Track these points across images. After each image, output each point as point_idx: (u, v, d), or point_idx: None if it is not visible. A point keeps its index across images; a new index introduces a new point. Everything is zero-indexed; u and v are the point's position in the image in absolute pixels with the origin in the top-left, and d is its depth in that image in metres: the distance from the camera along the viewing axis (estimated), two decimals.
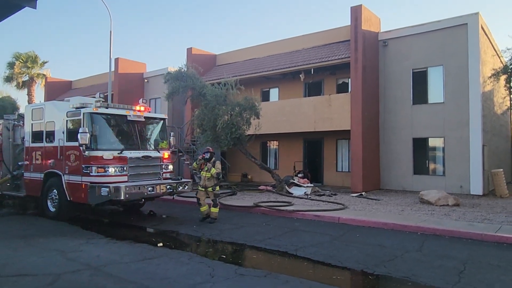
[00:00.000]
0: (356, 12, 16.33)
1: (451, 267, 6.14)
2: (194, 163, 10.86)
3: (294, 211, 10.95)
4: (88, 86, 29.44)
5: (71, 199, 9.70)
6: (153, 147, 10.73)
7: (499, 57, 19.13)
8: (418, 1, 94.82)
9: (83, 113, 9.46)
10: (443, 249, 7.25)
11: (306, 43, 20.01)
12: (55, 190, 10.19)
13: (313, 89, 19.91)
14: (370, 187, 16.21)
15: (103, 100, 10.17)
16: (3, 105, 31.43)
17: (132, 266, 6.11)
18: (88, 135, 9.08)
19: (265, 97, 21.35)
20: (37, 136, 10.90)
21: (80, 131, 9.05)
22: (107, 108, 9.94)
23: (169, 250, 7.25)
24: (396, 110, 17.09)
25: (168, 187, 10.03)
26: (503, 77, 17.03)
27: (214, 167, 9.84)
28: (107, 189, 8.91)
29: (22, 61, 32.66)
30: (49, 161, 10.37)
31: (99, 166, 9.23)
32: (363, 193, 14.99)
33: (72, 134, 9.67)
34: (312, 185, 15.75)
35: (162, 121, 11.30)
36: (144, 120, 10.59)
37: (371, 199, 13.61)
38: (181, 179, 10.81)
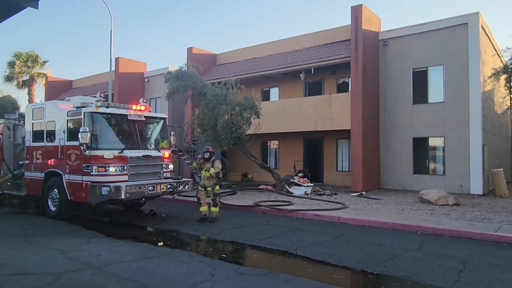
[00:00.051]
0: (356, 11, 16.34)
1: (451, 266, 6.16)
2: (194, 162, 10.89)
3: (294, 211, 10.97)
4: (89, 86, 29.46)
5: (72, 198, 9.72)
6: (153, 147, 10.75)
7: (499, 57, 19.13)
8: (418, 0, 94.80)
9: (84, 113, 9.48)
10: (443, 249, 7.27)
11: (307, 43, 20.01)
12: (55, 190, 10.21)
13: (314, 89, 19.91)
14: (370, 186, 16.22)
15: (104, 99, 10.21)
16: (4, 105, 31.48)
17: (133, 265, 6.13)
18: (89, 134, 9.09)
19: (266, 96, 21.36)
20: (37, 135, 10.92)
21: (80, 130, 9.07)
22: (107, 107, 9.96)
23: (170, 249, 7.27)
24: (396, 110, 17.10)
25: (168, 186, 10.05)
26: (503, 77, 17.04)
27: (213, 166, 9.86)
28: (108, 188, 8.93)
29: (22, 60, 32.69)
30: (50, 160, 10.39)
31: (100, 165, 9.24)
32: (363, 192, 15.01)
33: (72, 134, 9.68)
34: (312, 184, 15.76)
35: (162, 121, 11.32)
36: (144, 119, 10.61)
37: (371, 198, 13.62)
38: (181, 179, 10.84)
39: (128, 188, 9.08)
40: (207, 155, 10.07)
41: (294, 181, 15.67)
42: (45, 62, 34.07)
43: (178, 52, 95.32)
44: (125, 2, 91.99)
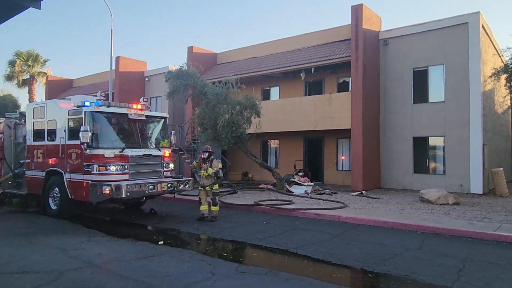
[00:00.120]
0: (357, 11, 16.34)
1: (451, 265, 6.18)
2: (194, 161, 10.93)
3: (295, 210, 10.99)
4: (89, 85, 29.47)
5: (73, 197, 9.74)
6: (154, 146, 10.77)
7: (499, 56, 19.13)
8: (419, 0, 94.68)
9: (85, 112, 9.50)
10: (442, 248, 7.29)
11: (307, 42, 20.01)
12: (56, 188, 10.23)
13: (314, 88, 19.92)
14: (371, 186, 16.24)
15: (104, 98, 10.22)
16: (5, 104, 31.56)
17: (133, 264, 6.15)
18: (90, 133, 9.11)
19: (266, 95, 21.37)
20: (38, 134, 10.95)
21: (81, 129, 9.09)
22: (108, 106, 9.98)
23: (170, 248, 7.30)
24: (396, 109, 17.11)
25: (169, 185, 10.06)
26: (503, 76, 17.05)
27: (211, 166, 9.88)
28: (108, 187, 8.94)
29: (23, 59, 32.71)
30: (51, 159, 10.42)
31: (101, 164, 9.26)
32: (363, 191, 15.02)
33: (73, 133, 9.71)
34: (312, 183, 15.78)
35: (163, 120, 11.34)
36: (145, 118, 10.62)
37: (371, 197, 13.64)
38: (181, 178, 10.85)
39: (128, 187, 9.10)
40: (205, 155, 10.10)
41: (295, 180, 15.69)
42: (45, 61, 34.11)
43: (179, 51, 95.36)
44: (125, 2, 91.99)
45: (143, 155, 10.03)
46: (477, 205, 12.00)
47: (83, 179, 9.44)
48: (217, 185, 10.08)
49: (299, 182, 15.59)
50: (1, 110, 26.27)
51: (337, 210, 10.96)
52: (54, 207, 10.33)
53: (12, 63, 32.90)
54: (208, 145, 12.48)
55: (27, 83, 33.59)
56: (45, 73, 33.43)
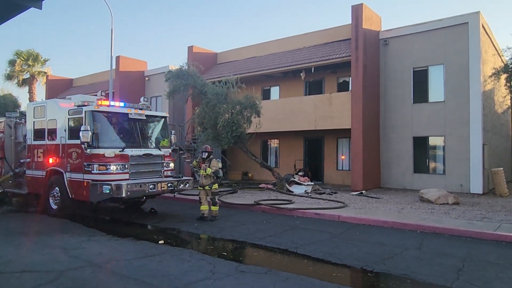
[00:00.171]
0: (357, 10, 16.35)
1: (450, 265, 6.19)
2: (194, 161, 10.95)
3: (295, 209, 11.00)
4: (89, 84, 29.48)
5: (73, 196, 9.76)
6: (154, 145, 10.78)
7: (500, 56, 19.14)
8: (419, 0, 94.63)
9: (85, 111, 9.52)
10: (442, 247, 7.30)
11: (307, 42, 20.02)
12: (57, 188, 10.25)
13: (314, 88, 19.93)
14: (371, 185, 16.25)
15: (105, 98, 10.22)
16: (5, 103, 31.55)
17: (134, 263, 6.17)
18: (90, 133, 9.13)
19: (266, 95, 21.38)
20: (39, 134, 10.97)
21: (82, 129, 9.11)
22: (108, 106, 9.99)
23: (171, 248, 7.31)
24: (396, 109, 17.12)
25: (169, 185, 10.08)
26: (503, 76, 17.05)
27: (210, 166, 9.89)
28: (109, 186, 8.96)
29: (23, 59, 32.72)
30: (51, 159, 10.43)
31: (101, 164, 9.28)
32: (363, 191, 15.04)
33: (74, 132, 9.73)
34: (312, 183, 15.79)
35: (163, 119, 11.35)
36: (145, 118, 10.63)
37: (371, 197, 13.66)
38: (182, 177, 10.86)
39: (129, 186, 9.11)
40: (205, 155, 10.12)
41: (295, 180, 15.70)
42: (45, 60, 34.11)
43: (179, 51, 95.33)
44: (126, 1, 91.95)
45: (144, 154, 10.04)
46: (477, 205, 12.02)
47: (83, 179, 9.46)
48: (216, 184, 10.08)
49: (299, 181, 15.61)
50: (2, 109, 26.27)
51: (337, 209, 10.98)
52: (54, 207, 10.35)
53: (12, 63, 32.91)
54: (208, 144, 12.50)
55: (27, 82, 33.60)
56: (45, 73, 33.44)
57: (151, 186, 9.61)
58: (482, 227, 8.56)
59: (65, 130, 10.05)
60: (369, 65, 16.56)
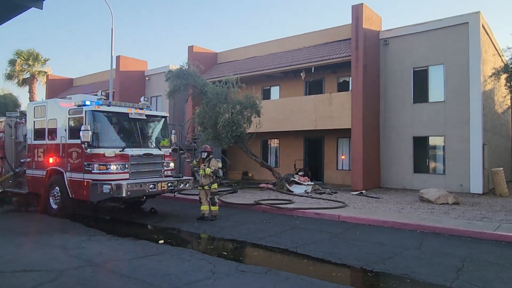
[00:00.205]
0: (357, 10, 16.35)
1: (450, 264, 6.20)
2: (194, 160, 10.99)
3: (295, 209, 11.01)
4: (89, 84, 29.48)
5: (73, 196, 9.76)
6: (154, 145, 10.78)
7: (500, 56, 19.13)
8: (419, 0, 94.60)
9: (85, 111, 9.52)
10: (442, 247, 7.31)
11: (307, 42, 20.02)
12: (57, 187, 10.26)
13: (314, 88, 19.94)
14: (371, 185, 16.26)
15: (105, 98, 10.23)
16: (5, 103, 31.57)
17: (134, 263, 6.18)
18: (90, 132, 9.13)
19: (266, 95, 21.39)
20: (39, 133, 10.97)
21: (82, 128, 9.11)
22: (108, 106, 10.00)
23: (171, 247, 7.31)
24: (396, 109, 17.12)
25: (169, 184, 10.08)
26: (503, 76, 17.05)
27: (209, 165, 9.89)
28: (109, 186, 8.97)
29: (23, 58, 32.73)
30: (51, 158, 10.44)
31: (101, 163, 9.28)
32: (363, 191, 15.04)
33: (74, 132, 9.74)
34: (312, 183, 15.80)
35: (163, 119, 11.35)
36: (145, 118, 10.64)
37: (371, 197, 13.66)
38: (182, 177, 10.87)
39: (129, 186, 9.12)
40: (204, 155, 10.13)
41: (295, 179, 15.71)
42: (46, 60, 34.12)
43: (179, 50, 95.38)
44: (126, 1, 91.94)
45: (144, 154, 10.05)
46: (476, 205, 12.02)
47: (83, 178, 9.47)
48: (215, 184, 10.07)
49: (299, 181, 15.62)
50: (2, 109, 26.31)
51: (337, 209, 10.98)
52: (54, 206, 10.36)
53: (12, 62, 32.91)
54: (209, 144, 12.51)
55: (28, 82, 33.61)
56: (46, 72, 33.45)
57: (151, 186, 9.62)
58: (482, 227, 8.57)
59: (65, 130, 10.05)
60: (369, 65, 16.56)
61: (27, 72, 33.50)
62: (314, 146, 19.74)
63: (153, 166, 10.35)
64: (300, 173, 17.33)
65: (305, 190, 14.63)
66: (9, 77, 33.30)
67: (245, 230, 8.77)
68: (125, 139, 10.11)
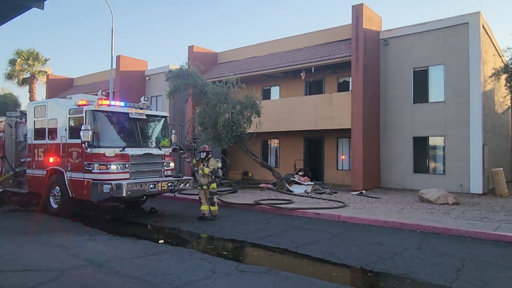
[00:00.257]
0: (357, 10, 16.36)
1: (450, 264, 6.20)
2: (194, 159, 11.00)
3: (295, 209, 11.01)
4: (90, 84, 29.49)
5: (73, 196, 9.77)
6: (154, 145, 10.79)
7: (500, 57, 19.14)
8: (419, 0, 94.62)
9: (86, 111, 9.53)
10: (442, 247, 7.32)
11: (307, 42, 20.03)
12: (57, 187, 10.26)
13: (314, 88, 19.94)
14: (370, 185, 16.27)
15: (105, 97, 10.23)
16: (5, 102, 31.56)
17: (134, 262, 6.19)
18: (90, 132, 9.14)
19: (266, 95, 21.39)
20: (39, 133, 10.98)
21: (82, 128, 9.12)
22: (109, 105, 10.01)
23: (171, 247, 7.32)
24: (396, 109, 17.13)
25: (169, 184, 10.09)
26: (503, 76, 17.05)
27: (208, 165, 9.90)
28: (109, 186, 8.98)
29: (23, 58, 32.76)
30: (52, 158, 10.45)
31: (101, 163, 9.29)
32: (363, 191, 15.05)
33: (74, 132, 9.74)
34: (312, 183, 15.81)
35: (163, 119, 11.36)
36: (145, 117, 10.65)
37: (371, 197, 13.67)
38: (182, 177, 10.88)
39: (129, 185, 9.13)
40: (203, 155, 10.14)
41: (295, 179, 15.72)
42: (46, 60, 34.15)
43: (179, 50, 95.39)
44: (126, 1, 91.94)
45: (144, 154, 10.06)
46: (476, 205, 12.03)
47: (84, 178, 9.47)
48: (214, 184, 10.07)
49: (299, 181, 15.63)
50: (2, 108, 26.30)
51: (337, 209, 10.99)
52: (55, 206, 10.36)
53: (12, 62, 32.93)
54: (209, 144, 12.52)
55: (28, 82, 33.63)
56: (46, 72, 33.47)
57: (151, 186, 9.63)
58: (481, 227, 8.58)
59: (65, 130, 10.06)
60: (369, 65, 16.57)
61: (27, 72, 33.53)
62: (314, 146, 19.75)
63: (153, 166, 10.35)
64: (300, 173, 17.34)
65: (305, 190, 14.64)
66: (9, 76, 33.33)
67: (245, 230, 8.78)
68: (125, 139, 10.12)
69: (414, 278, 5.56)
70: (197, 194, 10.38)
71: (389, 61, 17.35)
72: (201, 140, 16.64)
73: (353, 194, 14.49)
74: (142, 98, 11.20)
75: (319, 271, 6.12)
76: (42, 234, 8.17)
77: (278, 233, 8.46)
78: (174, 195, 12.13)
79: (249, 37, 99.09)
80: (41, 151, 10.85)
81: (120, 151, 9.58)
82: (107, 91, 18.35)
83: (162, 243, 7.55)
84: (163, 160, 10.61)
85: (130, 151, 9.76)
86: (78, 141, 9.35)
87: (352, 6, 16.49)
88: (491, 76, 16.52)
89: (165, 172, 10.67)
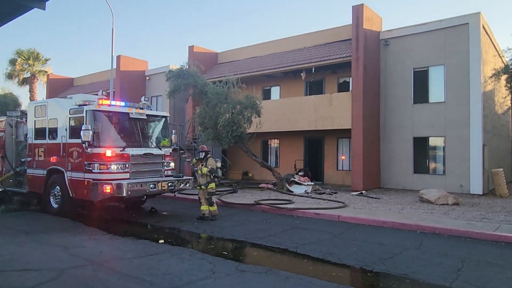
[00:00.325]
0: (357, 11, 16.37)
1: (450, 265, 6.21)
2: (194, 158, 11.01)
3: (295, 209, 11.02)
4: (90, 84, 29.52)
5: (74, 195, 9.78)
6: (155, 145, 10.80)
7: (500, 57, 19.14)
8: (419, 0, 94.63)
9: (86, 111, 9.53)
10: (441, 247, 7.32)
11: (308, 42, 20.04)
12: (57, 187, 10.27)
13: (314, 88, 19.95)
14: (371, 185, 16.27)
15: (105, 97, 10.24)
16: (5, 102, 31.56)
17: (134, 262, 6.19)
18: (91, 132, 9.14)
19: (266, 95, 21.40)
20: (40, 133, 10.99)
21: (82, 128, 9.12)
22: (109, 105, 10.02)
23: (171, 247, 7.33)
24: (397, 109, 17.14)
25: (169, 184, 10.10)
26: (504, 77, 17.06)
27: (206, 165, 9.91)
28: (109, 186, 8.98)
29: (24, 58, 32.79)
30: (52, 158, 10.45)
31: (102, 163, 9.30)
32: (363, 191, 15.05)
33: (74, 131, 9.75)
34: (312, 183, 15.81)
35: (164, 119, 11.37)
36: (146, 117, 10.65)
37: (371, 197, 13.67)
38: (182, 177, 10.89)
39: (129, 185, 9.14)
40: (202, 155, 10.15)
41: (295, 179, 15.72)
42: (46, 60, 34.19)
43: (180, 50, 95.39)
44: (127, 1, 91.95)
45: (144, 154, 10.07)
46: (476, 206, 12.03)
47: (84, 178, 9.48)
48: (213, 184, 10.06)
49: (299, 181, 15.63)
50: (2, 108, 26.30)
51: (337, 209, 11.00)
52: (55, 205, 10.37)
53: (13, 62, 32.96)
54: (209, 144, 12.52)
55: (28, 81, 33.66)
56: (46, 72, 33.49)
57: (151, 186, 9.63)
58: (481, 228, 8.58)
59: (66, 129, 10.07)
60: (370, 66, 16.58)
61: (27, 72, 33.56)
62: (314, 146, 19.75)
63: (153, 165, 10.36)
64: (300, 173, 17.35)
65: (305, 190, 14.65)
66: (10, 76, 33.36)
67: (245, 230, 8.79)
68: (125, 138, 10.12)
69: (414, 278, 5.57)
70: (197, 194, 10.39)
71: (389, 62, 17.35)
72: (201, 140, 16.65)
73: (353, 194, 14.50)
74: (142, 98, 11.21)
75: (319, 271, 6.12)
76: (42, 233, 8.18)
77: (278, 233, 8.47)
78: (174, 195, 12.14)
79: (249, 37, 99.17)
80: (42, 151, 10.86)
81: (121, 151, 9.59)
82: (107, 91, 18.35)
83: (162, 243, 7.56)
84: (163, 160, 10.61)
85: (131, 151, 9.76)
86: (79, 141, 9.36)
87: (353, 7, 16.50)
88: (491, 77, 16.53)
89: (165, 172, 10.68)
